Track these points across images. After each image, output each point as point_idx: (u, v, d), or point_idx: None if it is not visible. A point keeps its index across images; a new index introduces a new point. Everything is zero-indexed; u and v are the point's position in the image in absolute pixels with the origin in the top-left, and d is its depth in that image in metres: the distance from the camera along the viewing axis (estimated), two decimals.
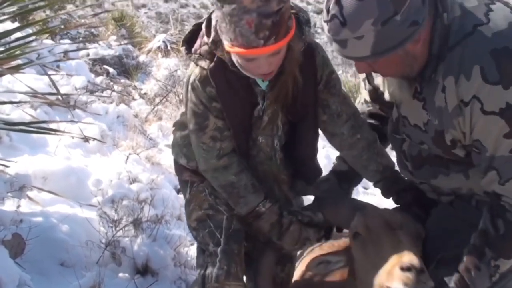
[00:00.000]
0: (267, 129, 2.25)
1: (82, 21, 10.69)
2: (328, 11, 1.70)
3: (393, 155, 2.34)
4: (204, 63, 2.12)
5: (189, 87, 2.17)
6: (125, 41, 10.87)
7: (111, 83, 7.34)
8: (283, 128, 2.29)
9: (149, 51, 11.79)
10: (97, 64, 8.30)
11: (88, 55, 8.23)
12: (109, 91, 6.29)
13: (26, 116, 3.98)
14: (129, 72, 9.32)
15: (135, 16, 17.10)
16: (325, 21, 1.73)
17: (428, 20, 1.72)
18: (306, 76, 2.18)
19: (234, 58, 2.01)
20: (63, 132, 3.08)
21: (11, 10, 2.70)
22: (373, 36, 1.64)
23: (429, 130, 1.90)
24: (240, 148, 2.27)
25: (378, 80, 2.14)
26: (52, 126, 3.81)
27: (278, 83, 2.12)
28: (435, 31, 1.74)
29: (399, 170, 2.27)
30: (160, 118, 6.02)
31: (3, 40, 3.06)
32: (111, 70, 8.65)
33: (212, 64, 2.10)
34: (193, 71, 2.16)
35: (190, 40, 2.20)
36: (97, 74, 7.81)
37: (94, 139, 3.43)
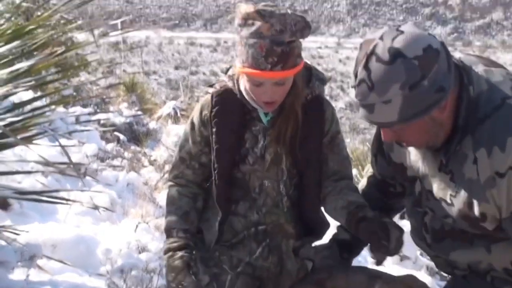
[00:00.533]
0: (272, 172, 2.29)
1: (95, 88, 10.92)
2: (356, 76, 1.75)
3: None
4: (212, 90, 2.30)
5: (193, 110, 2.37)
6: (136, 109, 11.03)
7: (122, 150, 7.41)
8: (289, 175, 2.32)
9: (159, 118, 11.95)
10: (107, 131, 8.41)
11: (99, 122, 8.35)
12: (119, 159, 6.33)
13: (37, 184, 4.03)
14: (139, 139, 9.42)
15: (146, 83, 17.40)
16: (352, 87, 1.78)
17: (453, 90, 1.74)
18: (313, 126, 2.28)
19: (243, 84, 2.19)
20: (74, 201, 3.10)
21: (28, 82, 2.77)
22: (401, 101, 1.66)
23: (457, 203, 1.88)
24: (221, 192, 2.30)
25: (400, 156, 2.12)
26: (63, 194, 3.84)
27: (279, 120, 2.23)
28: (461, 102, 1.76)
29: (413, 241, 2.24)
30: None
31: (17, 111, 3.13)
32: (121, 137, 8.75)
33: (219, 90, 2.28)
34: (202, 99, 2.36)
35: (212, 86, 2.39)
36: (108, 141, 7.90)
37: (105, 208, 3.45)
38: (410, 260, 5.48)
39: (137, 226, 3.98)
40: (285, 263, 2.37)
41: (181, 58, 55.90)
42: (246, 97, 2.22)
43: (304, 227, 2.41)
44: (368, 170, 2.50)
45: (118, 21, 4.08)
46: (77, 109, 8.08)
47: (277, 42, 2.01)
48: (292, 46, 2.06)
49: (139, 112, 10.72)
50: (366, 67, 1.70)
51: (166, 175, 6.18)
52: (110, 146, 7.22)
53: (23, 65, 2.85)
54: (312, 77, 2.26)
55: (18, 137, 2.68)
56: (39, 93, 5.39)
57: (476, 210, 1.83)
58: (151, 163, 7.59)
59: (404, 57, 1.65)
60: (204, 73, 54.41)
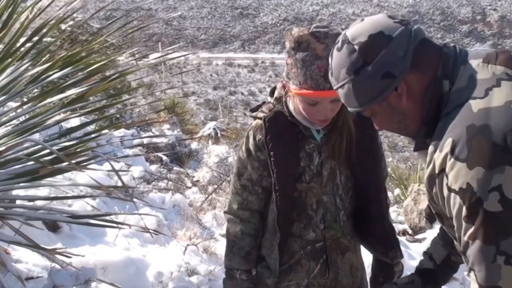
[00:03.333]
0: (328, 187, 2.31)
1: (137, 110, 11.07)
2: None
3: None
4: (262, 114, 2.32)
5: (245, 137, 2.39)
6: (178, 130, 11.13)
7: (165, 171, 7.47)
8: (344, 189, 2.34)
9: (200, 138, 12.04)
10: (150, 152, 8.49)
11: (142, 143, 8.44)
12: (165, 181, 6.39)
13: (86, 206, 4.08)
14: (181, 160, 9.49)
15: (185, 103, 17.54)
16: None
17: (418, 79, 1.67)
18: (367, 138, 2.32)
19: (295, 105, 2.21)
20: (127, 224, 3.13)
21: (84, 108, 2.81)
22: (351, 85, 1.68)
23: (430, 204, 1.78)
24: (282, 213, 2.30)
25: None
26: (112, 216, 3.88)
27: (333, 136, 2.26)
28: (426, 96, 1.68)
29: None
30: (214, 207, 6.06)
31: (68, 136, 3.18)
32: (164, 157, 8.82)
33: (270, 114, 2.30)
34: (252, 124, 2.39)
35: (255, 110, 2.42)
36: (151, 162, 7.97)
37: (156, 232, 3.48)
38: (457, 281, 5.39)
39: (185, 248, 3.99)
40: (340, 278, 2.39)
41: (219, 78, 56.39)
42: (298, 117, 2.24)
43: (368, 236, 2.42)
44: None
45: (167, 49, 4.12)
46: (121, 131, 8.17)
47: None
48: None
49: (183, 136, 10.80)
50: (331, 55, 1.75)
51: (211, 196, 6.22)
52: (153, 167, 7.28)
53: (77, 90, 2.90)
54: None
55: (73, 161, 2.72)
56: (83, 118, 5.50)
57: (433, 209, 1.75)
58: (194, 183, 7.64)
59: (348, 43, 1.67)
60: (242, 93, 54.77)
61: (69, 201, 4.21)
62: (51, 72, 2.92)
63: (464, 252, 1.57)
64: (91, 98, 3.38)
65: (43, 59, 3.36)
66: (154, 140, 9.12)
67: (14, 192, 3.23)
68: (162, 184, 6.29)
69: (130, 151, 6.65)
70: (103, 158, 2.81)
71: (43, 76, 2.99)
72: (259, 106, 2.40)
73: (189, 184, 7.46)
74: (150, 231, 3.28)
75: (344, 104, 2.16)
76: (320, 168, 2.29)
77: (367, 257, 2.51)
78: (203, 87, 52.42)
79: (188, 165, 9.33)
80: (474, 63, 1.68)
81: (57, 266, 3.02)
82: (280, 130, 2.28)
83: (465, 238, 1.54)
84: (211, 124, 13.18)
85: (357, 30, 1.68)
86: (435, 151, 1.61)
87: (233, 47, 67.52)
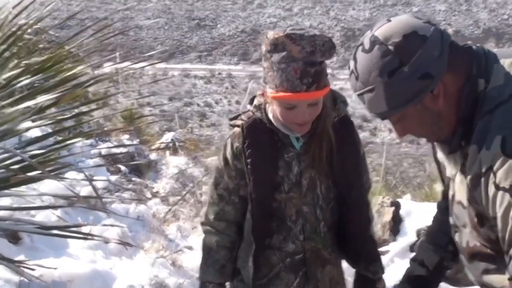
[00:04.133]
0: (308, 197, 2.26)
1: (94, 120, 10.87)
2: (349, 68, 1.72)
3: None
4: (240, 122, 2.27)
5: (223, 146, 2.35)
6: (137, 140, 10.99)
7: (126, 182, 7.35)
8: (324, 200, 2.29)
9: (158, 149, 11.90)
10: (110, 162, 8.34)
11: (100, 153, 8.29)
12: (128, 191, 6.29)
13: (51, 217, 3.97)
14: (140, 171, 9.36)
15: (142, 114, 17.32)
16: (348, 80, 1.74)
17: (453, 80, 1.66)
18: (347, 147, 2.28)
19: (273, 112, 2.17)
20: (98, 236, 3.05)
21: (55, 115, 2.74)
22: (383, 88, 1.62)
23: (469, 205, 1.75)
24: (258, 224, 2.27)
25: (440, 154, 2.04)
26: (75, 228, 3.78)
27: (312, 144, 2.22)
28: (462, 94, 1.67)
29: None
30: (178, 219, 5.98)
31: (38, 144, 3.10)
32: (122, 168, 8.68)
33: (248, 121, 2.26)
34: (230, 133, 2.34)
35: (234, 118, 2.38)
36: (111, 172, 7.84)
37: (128, 244, 3.39)
38: None
39: (154, 261, 3.92)
40: None
41: (175, 89, 56.12)
42: (276, 124, 2.20)
43: (349, 249, 2.38)
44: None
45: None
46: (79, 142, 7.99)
47: (310, 63, 2.01)
48: (323, 66, 2.07)
49: (143, 147, 10.67)
50: (354, 57, 1.69)
51: (174, 207, 6.15)
52: (113, 178, 7.16)
53: (48, 97, 2.82)
54: (336, 98, 2.26)
55: (47, 169, 2.64)
56: (43, 127, 5.36)
57: (472, 211, 1.72)
58: (153, 194, 7.54)
59: (380, 44, 1.62)
60: (198, 104, 54.62)
61: (32, 212, 4.09)
62: (22, 78, 2.84)
63: (507, 251, 1.56)
64: (53, 108, 3.30)
65: (10, 65, 3.27)
66: (113, 150, 8.98)
67: None
68: (125, 195, 6.18)
69: (91, 161, 6.52)
70: (77, 168, 2.74)
71: (12, 83, 2.90)
72: (238, 115, 2.36)
73: (149, 195, 7.35)
74: (123, 243, 3.20)
75: (323, 110, 2.14)
76: (300, 177, 2.25)
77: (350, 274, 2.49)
78: (159, 98, 51.99)
79: (148, 176, 9.21)
80: (506, 62, 1.69)
81: (26, 280, 2.91)
82: (259, 138, 2.24)
83: None
84: (169, 135, 13.03)
85: (388, 30, 1.63)
86: (479, 149, 1.60)
87: (190, 58, 67.32)
